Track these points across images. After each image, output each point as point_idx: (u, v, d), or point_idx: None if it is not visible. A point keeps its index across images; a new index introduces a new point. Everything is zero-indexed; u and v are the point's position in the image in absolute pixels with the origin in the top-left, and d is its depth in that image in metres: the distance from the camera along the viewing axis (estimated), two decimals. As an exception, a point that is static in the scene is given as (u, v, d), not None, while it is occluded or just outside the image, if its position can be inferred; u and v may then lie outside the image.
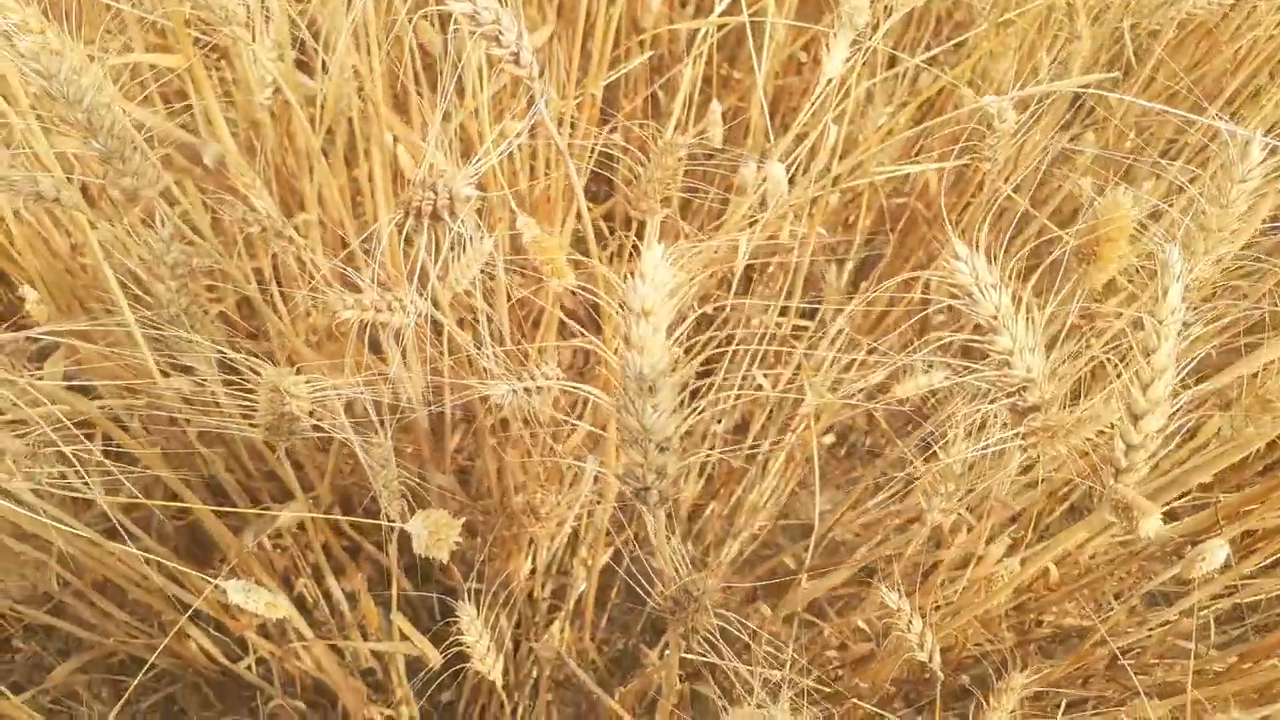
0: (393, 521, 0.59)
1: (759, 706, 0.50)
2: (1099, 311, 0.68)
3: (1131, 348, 0.44)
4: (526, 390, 0.51)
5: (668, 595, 0.43)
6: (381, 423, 0.55)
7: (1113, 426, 0.48)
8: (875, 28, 0.72)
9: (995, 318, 0.41)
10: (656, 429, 0.37)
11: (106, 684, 0.99)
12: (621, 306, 0.36)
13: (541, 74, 0.46)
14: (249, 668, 0.97)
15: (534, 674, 1.04)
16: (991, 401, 0.44)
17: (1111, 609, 0.93)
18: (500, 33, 0.45)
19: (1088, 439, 0.54)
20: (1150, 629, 0.86)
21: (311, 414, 0.49)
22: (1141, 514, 0.44)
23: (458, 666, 0.92)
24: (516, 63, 0.46)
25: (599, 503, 0.85)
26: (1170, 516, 0.86)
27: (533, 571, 0.98)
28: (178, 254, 0.55)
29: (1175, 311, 0.43)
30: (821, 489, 1.25)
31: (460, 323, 0.81)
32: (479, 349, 0.58)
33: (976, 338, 0.42)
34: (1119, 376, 0.44)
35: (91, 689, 0.98)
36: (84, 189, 0.65)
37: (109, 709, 0.96)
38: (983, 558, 0.68)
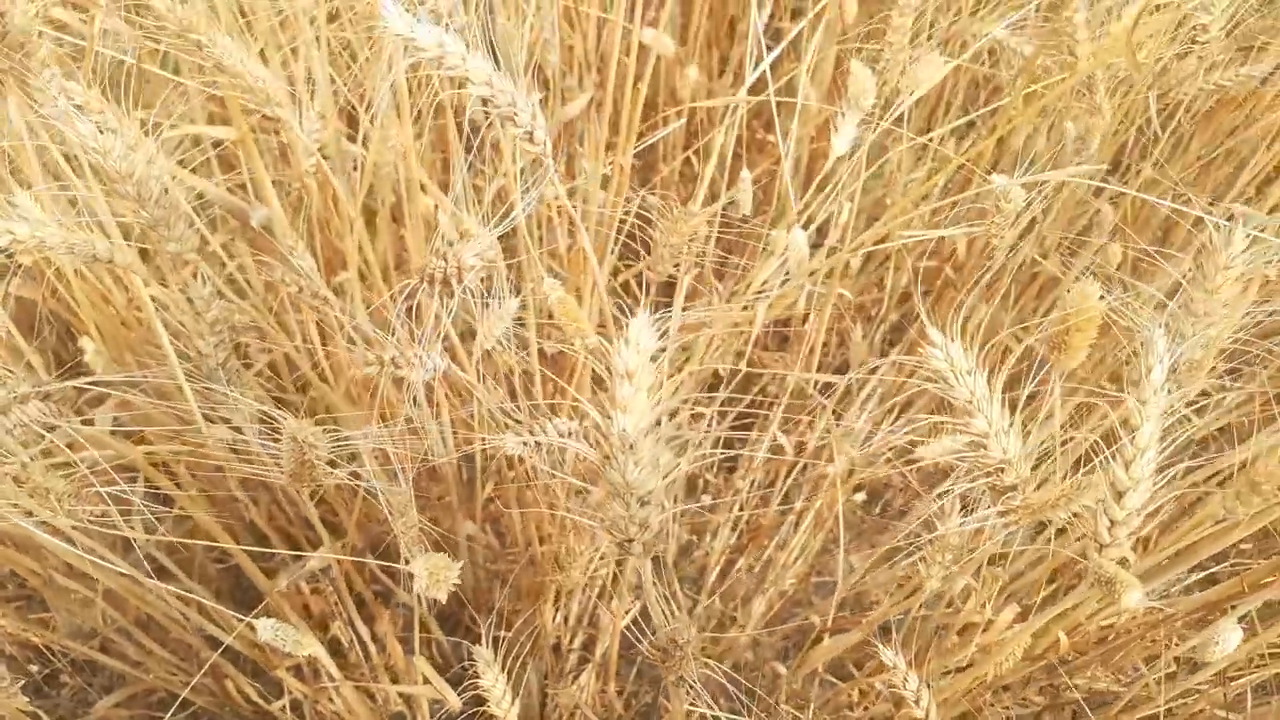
0: (409, 565, 0.62)
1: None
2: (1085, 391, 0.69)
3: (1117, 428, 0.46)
4: (537, 443, 0.53)
5: (656, 645, 0.45)
6: (404, 470, 0.58)
7: (1097, 503, 0.49)
8: (888, 108, 0.75)
9: (970, 402, 0.43)
10: (637, 484, 0.39)
11: (146, 720, 1.02)
12: (608, 370, 0.38)
13: (557, 149, 0.50)
14: (283, 709, 1.00)
15: (558, 724, 1.05)
16: (976, 480, 0.45)
17: (1142, 675, 0.92)
18: (516, 114, 0.48)
19: (1075, 515, 0.55)
20: (1178, 696, 0.85)
21: (333, 463, 0.52)
22: (1124, 588, 0.45)
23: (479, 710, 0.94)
24: (531, 141, 0.49)
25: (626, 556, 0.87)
26: (1210, 581, 0.86)
27: (564, 621, 0.99)
28: (217, 311, 0.59)
29: (1158, 391, 0.44)
30: (855, 547, 1.25)
31: (494, 377, 0.84)
32: (500, 402, 0.61)
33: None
34: (1104, 456, 0.45)
35: (132, 724, 1.02)
36: (142, 252, 0.70)
37: (148, 744, 0.99)
38: (990, 624, 0.69)
